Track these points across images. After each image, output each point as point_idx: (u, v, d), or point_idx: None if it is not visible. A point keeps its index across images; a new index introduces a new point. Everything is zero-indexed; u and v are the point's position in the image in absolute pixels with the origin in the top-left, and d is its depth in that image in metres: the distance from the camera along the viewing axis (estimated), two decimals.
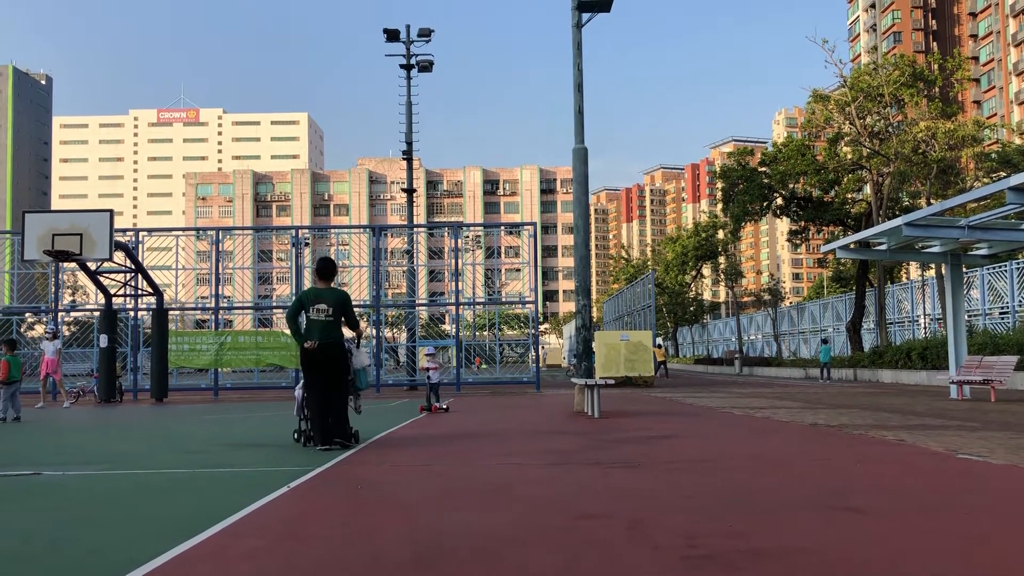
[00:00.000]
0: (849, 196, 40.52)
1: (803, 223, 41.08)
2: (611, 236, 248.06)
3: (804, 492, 5.85)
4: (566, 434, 10.56)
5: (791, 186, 39.53)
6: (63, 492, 6.41)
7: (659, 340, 50.44)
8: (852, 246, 18.71)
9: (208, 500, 5.91)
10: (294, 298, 9.63)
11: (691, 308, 72.88)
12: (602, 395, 13.24)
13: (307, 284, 26.55)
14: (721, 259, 65.04)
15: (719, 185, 42.51)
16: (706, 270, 68.68)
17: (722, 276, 66.53)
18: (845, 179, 38.86)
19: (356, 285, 29.43)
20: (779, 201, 40.54)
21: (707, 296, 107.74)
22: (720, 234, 60.14)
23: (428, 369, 15.44)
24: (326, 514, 5.24)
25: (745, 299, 71.35)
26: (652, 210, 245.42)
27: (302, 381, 9.38)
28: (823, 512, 5.02)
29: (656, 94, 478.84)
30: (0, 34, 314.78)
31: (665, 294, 65.75)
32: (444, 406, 15.20)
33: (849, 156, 37.53)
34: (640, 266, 77.70)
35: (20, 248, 22.16)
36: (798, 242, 44.87)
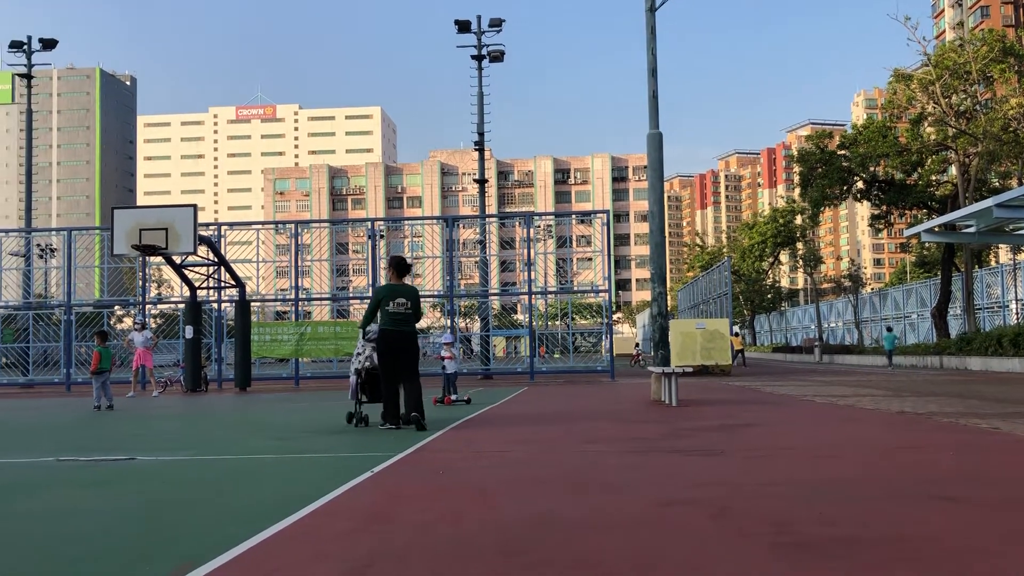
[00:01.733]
0: (933, 178, 39.14)
1: (885, 207, 39.90)
2: (685, 223, 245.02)
3: (895, 480, 5.69)
4: (645, 422, 10.48)
5: (872, 169, 38.39)
6: (157, 476, 6.63)
7: (736, 328, 49.67)
8: (937, 229, 18.10)
9: (295, 484, 6.04)
10: (373, 292, 10.53)
11: (768, 295, 71.56)
12: (679, 384, 13.10)
13: (382, 276, 26.93)
14: (799, 245, 63.64)
15: (797, 169, 41.54)
16: (784, 256, 67.34)
17: (800, 262, 65.11)
18: (929, 160, 37.54)
19: (429, 276, 29.75)
20: (859, 185, 39.43)
21: (785, 283, 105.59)
22: (798, 219, 58.84)
23: (444, 358, 14.96)
24: (411, 499, 5.31)
25: (824, 285, 69.78)
26: (727, 196, 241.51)
27: (355, 367, 10.31)
28: (917, 501, 4.87)
29: (730, 78, 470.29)
30: (88, 37, 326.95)
31: (741, 281, 64.69)
32: (466, 398, 14.57)
33: (933, 137, 36.26)
34: (715, 253, 76.58)
35: (109, 243, 23.01)
36: (880, 227, 43.63)
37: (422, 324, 10.81)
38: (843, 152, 38.57)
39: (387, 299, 9.68)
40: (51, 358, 29.62)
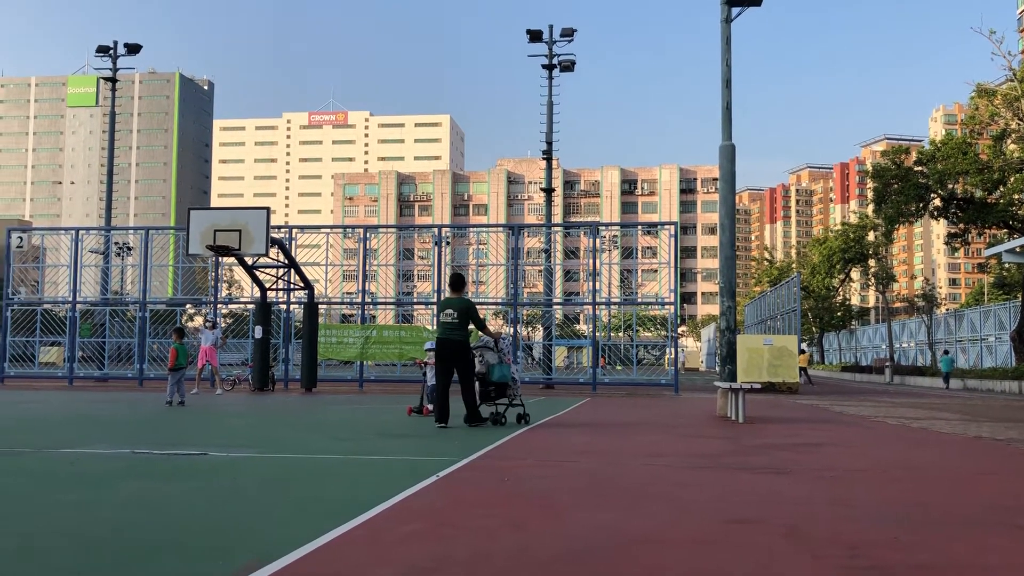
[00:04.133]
0: (1016, 197, 37.79)
1: (963, 225, 38.65)
2: (753, 237, 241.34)
3: (971, 507, 5.50)
4: (711, 438, 10.33)
5: (950, 186, 37.25)
6: (228, 472, 6.77)
7: (803, 346, 48.69)
8: (1020, 250, 17.48)
9: (361, 485, 6.11)
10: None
11: (838, 313, 69.98)
12: (745, 400, 12.89)
13: (446, 282, 27.15)
14: (871, 262, 62.13)
15: (871, 185, 40.59)
16: (855, 274, 65.82)
17: (872, 280, 63.54)
18: (1012, 179, 36.26)
19: (493, 283, 29.83)
20: (937, 202, 38.29)
21: (855, 301, 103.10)
22: (870, 236, 57.46)
23: (425, 364, 13.31)
24: (475, 504, 5.32)
25: (897, 304, 67.97)
26: (797, 211, 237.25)
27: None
28: (994, 529, 4.69)
29: (804, 91, 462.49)
30: (169, 43, 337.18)
31: (810, 298, 63.40)
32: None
33: (1017, 154, 35.04)
34: (784, 268, 75.24)
35: (184, 243, 23.65)
36: (957, 245, 42.29)
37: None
38: (920, 168, 37.53)
39: (439, 311, 11.24)
40: (125, 353, 30.53)
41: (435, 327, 11.59)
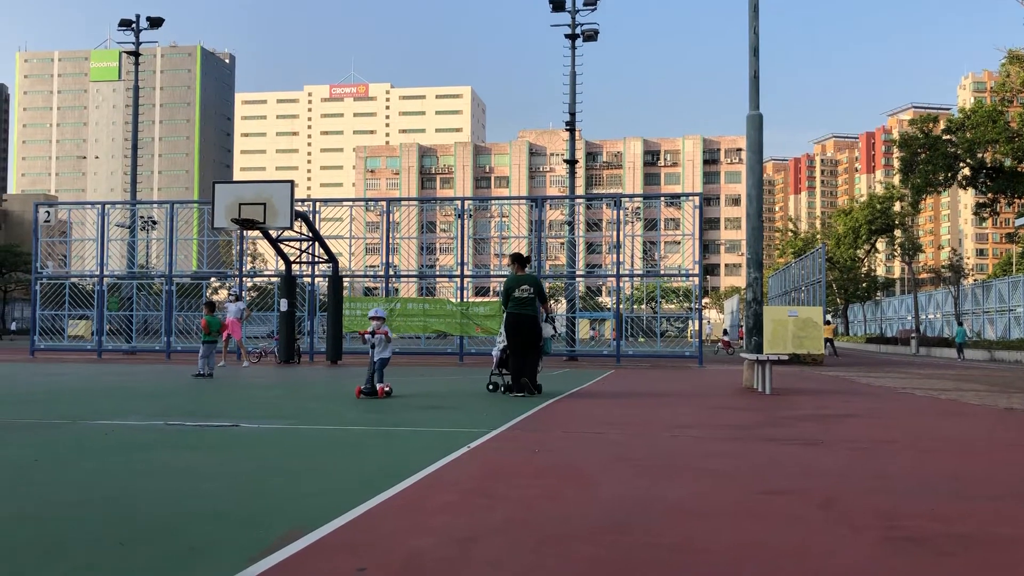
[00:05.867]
0: None
1: (992, 195, 38.15)
2: (777, 208, 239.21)
3: (1007, 478, 5.46)
4: (739, 409, 10.31)
5: (980, 155, 36.71)
6: (260, 443, 6.83)
7: (828, 317, 48.35)
8: None
9: (393, 456, 6.15)
10: (504, 281, 12.10)
11: (863, 284, 69.38)
12: (772, 372, 12.83)
13: (468, 254, 27.17)
14: (897, 233, 61.44)
15: (898, 155, 40.10)
16: (880, 244, 65.16)
17: (898, 251, 62.88)
18: None
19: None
20: (966, 171, 37.76)
21: (881, 272, 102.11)
22: (896, 206, 56.81)
23: (372, 334, 11.13)
24: (509, 475, 5.34)
25: (923, 276, 67.28)
26: (822, 181, 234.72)
27: (500, 344, 12.02)
28: None
29: (829, 59, 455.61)
30: (190, 16, 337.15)
31: (835, 269, 62.87)
32: (387, 388, 11.24)
33: None
34: (808, 239, 74.58)
35: (209, 217, 23.77)
36: (985, 216, 41.80)
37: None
38: (949, 137, 36.99)
39: (513, 288, 11.51)
40: (151, 326, 30.85)
41: (490, 304, 11.98)
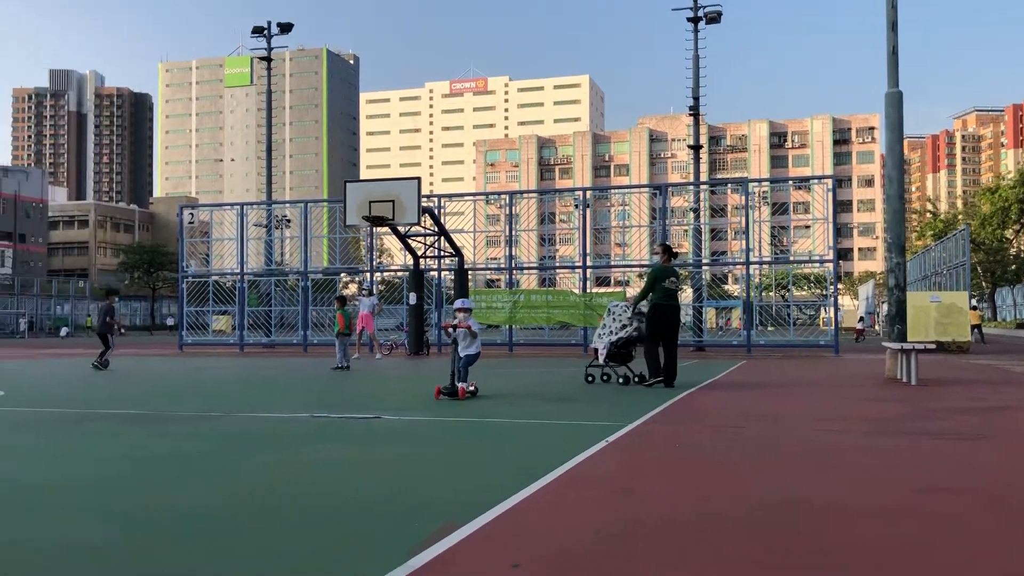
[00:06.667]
0: None
1: None
2: (914, 188, 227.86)
3: None
4: (884, 401, 9.89)
5: None
6: (403, 435, 7.02)
7: (973, 302, 45.75)
8: None
9: (533, 450, 6.20)
10: (651, 270, 12.15)
11: (1012, 267, 65.23)
12: (918, 361, 12.23)
13: (590, 244, 27.08)
14: None
15: None
16: None
17: None
18: None
19: (636, 245, 29.43)
20: None
21: None
22: None
23: (455, 328, 10.24)
24: (652, 471, 5.30)
25: None
26: (963, 158, 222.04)
27: (611, 337, 11.83)
28: None
29: (966, 28, 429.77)
30: (316, 19, 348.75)
31: (980, 251, 59.37)
32: (471, 388, 10.13)
33: None
34: (949, 220, 70.73)
35: (341, 214, 24.54)
36: None
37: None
38: None
39: (663, 277, 11.55)
40: (287, 321, 32.13)
41: (638, 294, 12.04)
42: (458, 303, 10.64)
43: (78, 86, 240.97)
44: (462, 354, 10.09)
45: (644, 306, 11.89)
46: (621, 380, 11.81)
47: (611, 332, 12.03)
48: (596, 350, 12.21)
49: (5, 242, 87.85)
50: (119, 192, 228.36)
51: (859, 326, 43.29)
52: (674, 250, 12.21)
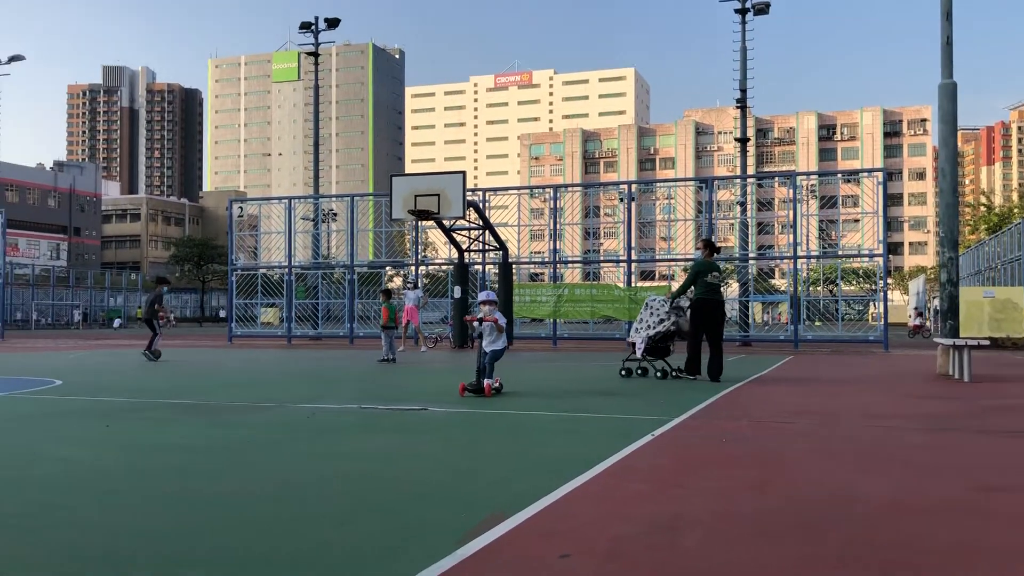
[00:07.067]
0: None
1: None
2: (967, 181, 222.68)
3: None
4: (937, 398, 9.71)
5: None
6: (449, 427, 7.08)
7: None
8: None
9: (580, 442, 6.20)
10: (693, 265, 12.18)
11: None
12: (971, 357, 11.98)
13: (635, 238, 26.96)
14: None
15: None
16: None
17: None
18: None
19: (681, 239, 29.22)
20: None
21: None
22: None
23: (481, 322, 9.77)
24: (699, 465, 5.27)
25: None
26: (1019, 150, 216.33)
27: (652, 332, 11.88)
28: None
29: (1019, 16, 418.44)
30: (361, 14, 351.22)
31: None
32: (496, 384, 9.56)
33: None
34: (1004, 214, 69.03)
35: (386, 208, 24.71)
36: None
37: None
38: None
39: (705, 272, 11.58)
40: (333, 313, 32.47)
41: (682, 288, 12.08)
42: (482, 295, 10.15)
43: (130, 82, 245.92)
44: (487, 349, 9.63)
45: (682, 301, 11.97)
46: (659, 374, 11.86)
47: (648, 327, 12.08)
48: (633, 344, 12.28)
49: (61, 235, 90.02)
50: (170, 186, 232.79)
51: (916, 321, 42.36)
52: (717, 244, 12.34)
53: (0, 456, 5.60)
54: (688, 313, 11.86)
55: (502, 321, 9.77)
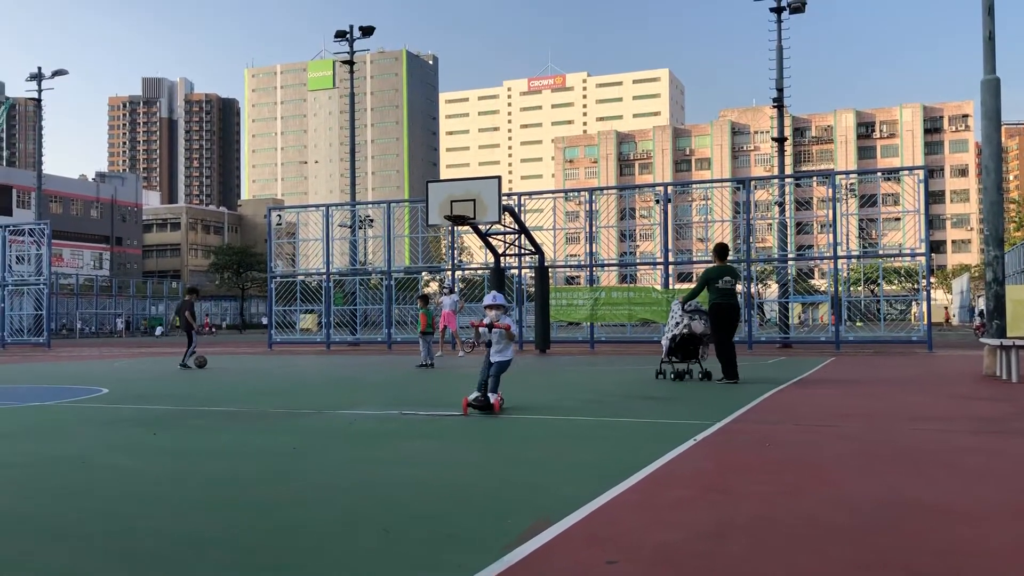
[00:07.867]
0: None
1: None
2: (1011, 178, 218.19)
3: None
4: (984, 399, 9.54)
5: None
6: (491, 433, 7.09)
7: None
8: None
9: (621, 448, 6.19)
10: (704, 272, 12.27)
11: None
12: (1019, 358, 11.75)
13: (671, 240, 26.81)
14: None
15: None
16: None
17: None
18: None
19: (719, 239, 28.96)
20: None
21: None
22: None
23: (489, 328, 8.61)
24: (743, 470, 5.23)
25: None
26: None
27: (672, 333, 12.18)
28: None
29: None
30: (394, 21, 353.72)
31: None
32: (499, 398, 8.44)
33: None
34: None
35: (423, 214, 24.84)
36: None
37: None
38: None
39: (716, 278, 11.73)
40: (371, 319, 32.69)
41: (689, 292, 12.35)
42: (488, 298, 8.76)
43: (169, 93, 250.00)
44: (494, 359, 8.55)
45: (696, 304, 12.25)
46: (701, 376, 12.02)
47: (669, 329, 12.43)
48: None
49: (103, 245, 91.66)
50: (208, 195, 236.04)
51: (979, 321, 41.36)
52: (727, 248, 12.35)
53: (52, 464, 5.72)
54: (705, 317, 12.08)
55: (514, 328, 8.77)
